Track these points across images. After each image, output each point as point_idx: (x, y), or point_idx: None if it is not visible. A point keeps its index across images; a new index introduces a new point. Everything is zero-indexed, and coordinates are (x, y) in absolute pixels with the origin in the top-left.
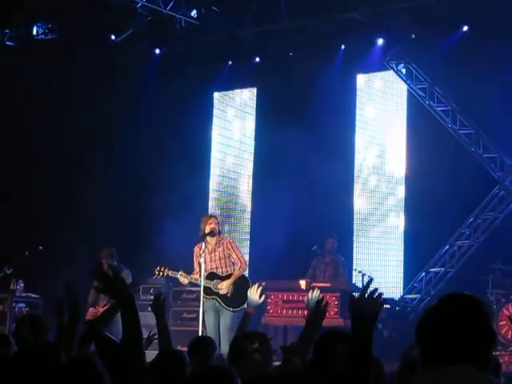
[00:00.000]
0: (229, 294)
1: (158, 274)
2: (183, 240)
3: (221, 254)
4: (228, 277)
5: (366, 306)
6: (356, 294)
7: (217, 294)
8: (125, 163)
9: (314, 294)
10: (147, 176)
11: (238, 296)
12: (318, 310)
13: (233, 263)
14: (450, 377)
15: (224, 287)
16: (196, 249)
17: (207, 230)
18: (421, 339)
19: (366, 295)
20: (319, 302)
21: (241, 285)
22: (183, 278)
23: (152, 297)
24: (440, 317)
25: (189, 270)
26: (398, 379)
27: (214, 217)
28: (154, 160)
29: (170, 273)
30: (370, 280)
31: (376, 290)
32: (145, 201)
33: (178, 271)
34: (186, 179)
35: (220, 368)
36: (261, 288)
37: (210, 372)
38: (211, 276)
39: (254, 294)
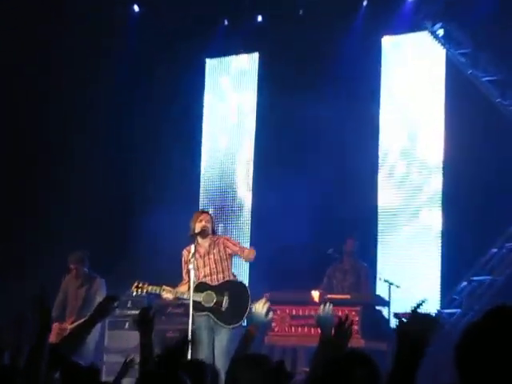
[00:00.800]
0: (223, 308)
1: (137, 291)
2: (170, 242)
3: (216, 257)
4: (224, 284)
5: (416, 333)
6: (404, 319)
7: (210, 309)
8: (109, 149)
9: (326, 309)
10: (130, 166)
11: (234, 308)
12: (341, 333)
13: (227, 266)
14: None
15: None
16: (184, 252)
17: (197, 229)
18: (461, 362)
19: (417, 319)
20: (341, 322)
21: (237, 294)
22: (167, 294)
23: (130, 312)
24: (485, 335)
25: (176, 280)
26: None
27: (207, 213)
28: (135, 147)
29: (149, 289)
30: (422, 302)
31: (429, 314)
32: (126, 192)
33: (159, 286)
34: (173, 167)
35: None
36: (268, 303)
37: None
38: (201, 287)
39: (261, 309)
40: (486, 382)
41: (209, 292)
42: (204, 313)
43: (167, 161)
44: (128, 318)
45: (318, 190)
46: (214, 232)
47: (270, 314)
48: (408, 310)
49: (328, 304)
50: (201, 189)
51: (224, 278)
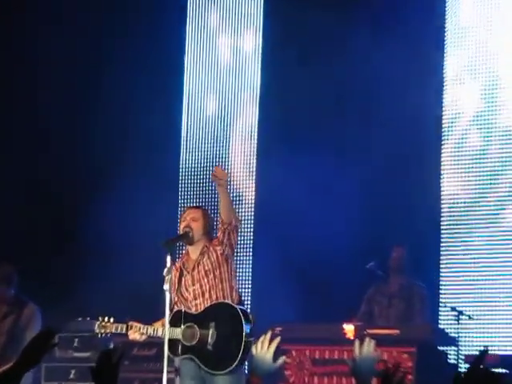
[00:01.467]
0: (210, 346)
1: (100, 332)
2: (138, 245)
3: (207, 266)
4: (209, 310)
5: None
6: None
7: (193, 349)
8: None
9: (364, 349)
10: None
11: (226, 345)
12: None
13: (225, 279)
14: None
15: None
16: (171, 274)
17: (180, 232)
18: None
19: (478, 373)
20: (388, 372)
21: (226, 322)
22: (134, 333)
23: (78, 354)
24: None
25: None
26: None
27: (195, 208)
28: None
29: (113, 328)
30: (485, 351)
31: (493, 372)
32: (72, 171)
33: (125, 323)
34: (143, 138)
35: None
36: (277, 340)
37: None
38: (179, 318)
39: (265, 350)
40: None
41: (190, 325)
42: (186, 356)
43: (135, 131)
44: (75, 363)
45: (352, 176)
46: (209, 234)
47: (281, 359)
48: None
49: (367, 341)
50: (180, 172)
51: (214, 298)
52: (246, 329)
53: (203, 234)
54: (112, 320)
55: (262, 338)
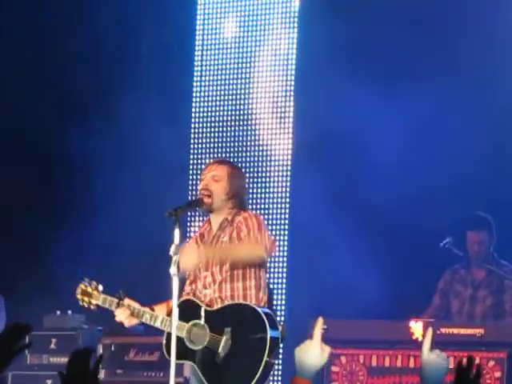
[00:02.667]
0: (218, 357)
1: (83, 300)
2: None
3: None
4: (227, 311)
5: None
6: None
7: (195, 355)
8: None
9: (435, 353)
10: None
11: (240, 358)
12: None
13: (248, 276)
14: None
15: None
16: (191, 241)
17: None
18: None
19: None
20: (461, 369)
21: (246, 330)
22: (123, 315)
23: (55, 358)
24: None
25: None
26: None
27: (221, 163)
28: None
29: (101, 300)
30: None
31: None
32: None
33: (119, 298)
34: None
35: None
36: (320, 323)
37: None
38: (187, 310)
39: (309, 342)
40: None
41: (199, 323)
42: (185, 361)
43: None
44: (51, 371)
45: (409, 148)
46: (239, 202)
47: (327, 351)
48: None
49: (429, 332)
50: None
51: (233, 295)
52: (266, 344)
53: (227, 200)
54: (101, 288)
55: (318, 323)
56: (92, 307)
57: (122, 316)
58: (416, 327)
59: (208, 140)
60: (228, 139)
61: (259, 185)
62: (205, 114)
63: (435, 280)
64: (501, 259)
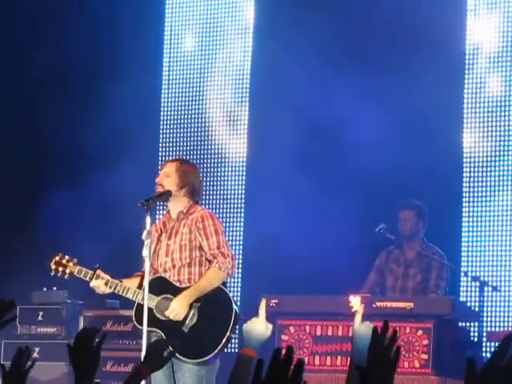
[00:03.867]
0: (186, 328)
1: (56, 270)
2: (101, 212)
3: (184, 240)
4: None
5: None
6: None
7: (163, 324)
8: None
9: (366, 325)
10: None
11: (206, 331)
12: (375, 358)
13: (208, 260)
14: None
15: (175, 311)
16: (154, 227)
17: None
18: None
19: (496, 369)
20: (378, 336)
21: (212, 306)
22: (97, 282)
23: (42, 329)
24: None
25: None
26: None
27: (172, 162)
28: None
29: (75, 270)
30: (509, 339)
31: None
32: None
33: (93, 270)
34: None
35: None
36: (263, 304)
37: None
38: (157, 285)
39: (255, 318)
40: None
41: (168, 296)
42: (154, 330)
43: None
44: (39, 340)
45: (358, 129)
46: (192, 194)
47: (271, 327)
48: (510, 326)
49: (359, 310)
50: (161, 137)
51: (190, 276)
52: (231, 320)
53: (178, 190)
54: (75, 260)
55: (262, 304)
56: (66, 276)
57: (97, 283)
58: (354, 301)
59: (175, 140)
60: (191, 139)
61: (216, 169)
62: (173, 117)
63: (372, 259)
64: (429, 242)
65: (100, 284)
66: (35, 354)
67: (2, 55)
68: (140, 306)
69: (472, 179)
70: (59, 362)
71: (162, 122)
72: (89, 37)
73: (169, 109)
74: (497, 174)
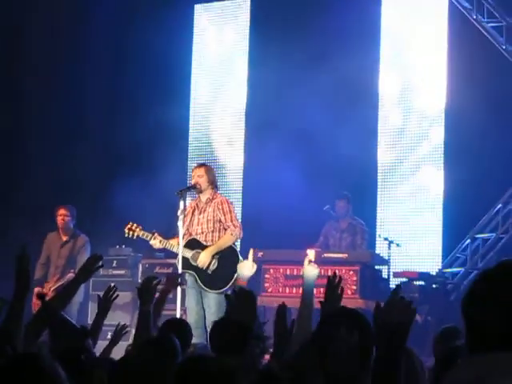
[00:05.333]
0: (210, 271)
1: (128, 233)
2: (155, 197)
3: (209, 216)
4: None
5: (393, 318)
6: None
7: (195, 268)
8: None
9: (308, 265)
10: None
11: (223, 272)
12: (329, 294)
13: (224, 229)
14: (507, 366)
15: (202, 260)
16: (187, 208)
17: (190, 184)
18: (466, 320)
19: (393, 307)
20: (331, 282)
21: (227, 258)
22: (155, 241)
23: (116, 271)
24: (492, 289)
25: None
26: (434, 373)
27: (199, 167)
28: (122, 103)
29: (141, 234)
30: (398, 287)
31: (403, 298)
32: (110, 148)
33: (152, 233)
34: (160, 123)
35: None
36: (252, 252)
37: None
38: (192, 244)
39: (248, 261)
40: (495, 339)
41: (199, 251)
42: (189, 271)
43: (154, 115)
44: (113, 278)
45: (312, 144)
46: (215, 186)
47: (255, 266)
48: (408, 268)
49: (308, 257)
50: (189, 145)
51: (214, 239)
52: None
53: (208, 184)
54: (140, 227)
55: (250, 252)
56: (134, 238)
57: (155, 242)
58: (310, 253)
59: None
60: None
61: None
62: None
63: (321, 229)
64: (355, 216)
65: (156, 242)
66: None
67: None
68: (182, 259)
69: (383, 182)
70: (126, 292)
71: (189, 143)
72: None
73: (194, 132)
74: (398, 173)
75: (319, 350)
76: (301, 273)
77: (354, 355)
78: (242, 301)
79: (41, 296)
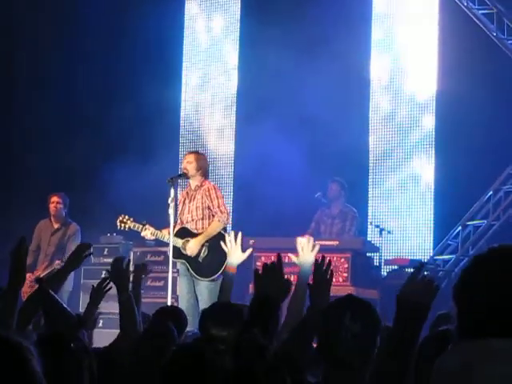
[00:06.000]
0: (200, 259)
1: (120, 226)
2: (148, 187)
3: (198, 203)
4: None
5: (416, 300)
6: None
7: (186, 257)
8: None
9: (306, 248)
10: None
11: (213, 260)
12: (318, 278)
13: (213, 216)
14: (496, 352)
15: (191, 248)
16: (179, 197)
17: (181, 172)
18: (458, 306)
19: (415, 284)
20: (319, 265)
21: (216, 244)
22: (146, 232)
23: (107, 259)
24: (483, 275)
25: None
26: (421, 358)
27: (189, 153)
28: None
29: (132, 225)
30: (422, 265)
31: (426, 276)
32: (100, 135)
33: (143, 224)
34: (151, 107)
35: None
36: (240, 236)
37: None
38: (182, 232)
39: (234, 246)
40: (484, 325)
41: (189, 239)
42: (181, 260)
43: (145, 100)
44: (105, 266)
45: (305, 131)
46: (204, 173)
47: (248, 251)
48: (399, 255)
49: (307, 240)
50: (181, 130)
51: (204, 226)
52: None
53: (197, 171)
54: (132, 219)
55: (229, 237)
56: (126, 229)
57: (146, 233)
58: (301, 240)
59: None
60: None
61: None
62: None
63: (312, 216)
64: (347, 203)
65: (147, 233)
66: (102, 275)
67: None
68: (173, 248)
69: (374, 167)
70: None
71: (181, 128)
72: None
73: (186, 118)
74: (389, 163)
75: (323, 335)
76: (295, 260)
77: (357, 342)
78: (269, 275)
79: (38, 279)
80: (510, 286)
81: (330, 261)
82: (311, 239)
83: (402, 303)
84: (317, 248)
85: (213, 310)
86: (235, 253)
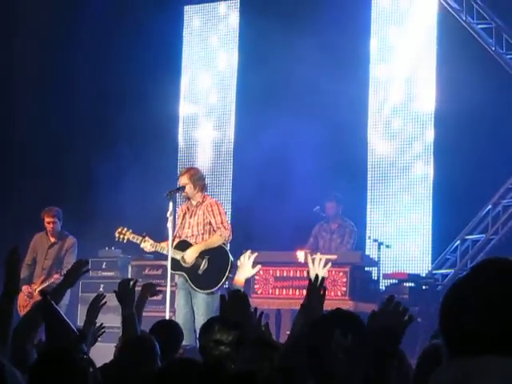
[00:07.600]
0: (200, 271)
1: (119, 237)
2: (149, 201)
3: (199, 219)
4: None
5: (387, 323)
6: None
7: (186, 269)
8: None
9: (317, 264)
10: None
11: (213, 273)
12: (312, 293)
13: (214, 231)
14: (484, 371)
15: (188, 255)
16: (178, 211)
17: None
18: (445, 322)
19: (389, 310)
20: (313, 285)
21: (218, 259)
22: (146, 244)
23: (105, 273)
24: (471, 291)
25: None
26: (416, 374)
27: (183, 174)
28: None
29: (131, 236)
30: (392, 296)
31: (399, 303)
32: (99, 147)
33: (142, 236)
34: (149, 115)
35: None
36: (255, 254)
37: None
38: (182, 245)
39: (247, 260)
40: (472, 342)
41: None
42: (180, 272)
43: (143, 110)
44: (103, 280)
45: (305, 143)
46: (202, 189)
47: (258, 267)
48: (398, 269)
49: (318, 257)
50: (179, 143)
51: (199, 241)
52: (229, 266)
53: (194, 189)
54: (131, 231)
55: (243, 255)
56: (125, 241)
57: (145, 245)
58: (300, 254)
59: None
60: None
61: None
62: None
63: (310, 230)
64: (345, 218)
65: (147, 245)
66: (100, 289)
67: None
68: (172, 260)
69: (373, 182)
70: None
71: (179, 142)
72: None
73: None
74: (390, 175)
75: (312, 350)
76: (295, 275)
77: (346, 357)
78: (234, 302)
79: (43, 292)
80: (498, 300)
81: (323, 277)
82: (302, 253)
83: (374, 332)
84: (329, 265)
85: (216, 318)
86: (245, 267)
